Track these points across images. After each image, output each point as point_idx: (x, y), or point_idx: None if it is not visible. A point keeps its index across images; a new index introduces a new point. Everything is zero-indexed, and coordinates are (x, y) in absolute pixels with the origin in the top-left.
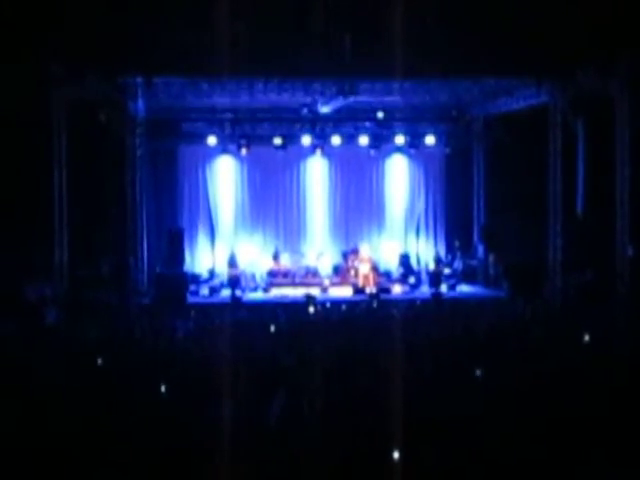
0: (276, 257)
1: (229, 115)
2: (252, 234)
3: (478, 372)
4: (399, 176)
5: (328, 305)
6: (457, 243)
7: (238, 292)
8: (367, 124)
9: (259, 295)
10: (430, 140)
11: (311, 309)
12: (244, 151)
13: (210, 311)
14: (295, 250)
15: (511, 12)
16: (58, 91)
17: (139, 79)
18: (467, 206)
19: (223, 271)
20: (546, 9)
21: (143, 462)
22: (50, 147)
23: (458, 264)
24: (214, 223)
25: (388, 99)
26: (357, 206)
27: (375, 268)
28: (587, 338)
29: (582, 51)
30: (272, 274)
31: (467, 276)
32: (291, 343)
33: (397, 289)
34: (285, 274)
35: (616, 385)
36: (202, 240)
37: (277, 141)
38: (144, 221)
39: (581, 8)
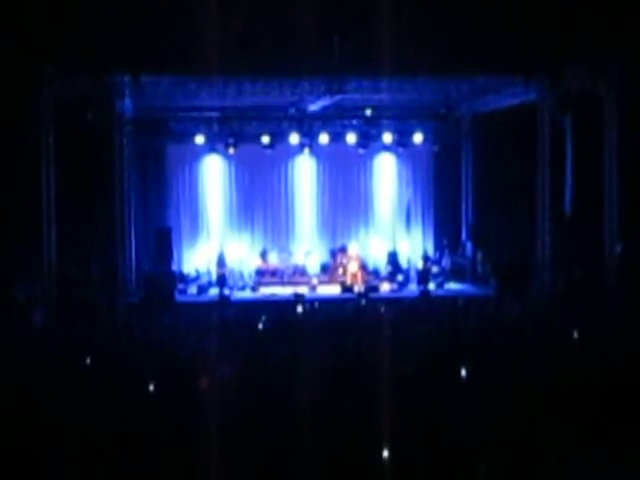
0: (264, 256)
1: (217, 114)
2: (240, 233)
3: (463, 372)
4: (387, 174)
5: (316, 304)
6: (445, 241)
7: (226, 291)
8: (355, 122)
9: (247, 294)
10: (418, 138)
11: (299, 308)
12: (232, 150)
13: (198, 310)
14: (283, 249)
15: (500, 10)
16: (46, 90)
17: (127, 78)
18: (455, 204)
19: (211, 270)
20: (535, 7)
21: (133, 460)
22: (38, 146)
23: (446, 262)
24: (202, 222)
25: (376, 97)
26: (345, 204)
27: (363, 266)
28: (576, 335)
29: (571, 49)
30: (260, 273)
31: (455, 274)
32: (279, 342)
33: (385, 287)
34: (273, 273)
35: (605, 382)
36: (190, 239)
37: (265, 140)
38: (132, 220)
39: (570, 6)
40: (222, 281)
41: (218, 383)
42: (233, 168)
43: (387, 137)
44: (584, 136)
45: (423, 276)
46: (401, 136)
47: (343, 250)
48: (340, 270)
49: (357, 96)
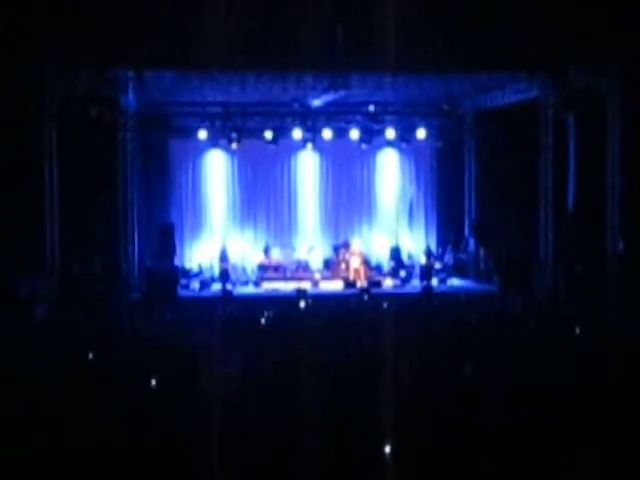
0: (267, 251)
1: (220, 109)
2: (243, 228)
3: (467, 368)
4: (390, 170)
5: (319, 299)
6: (452, 236)
7: (229, 286)
8: (358, 118)
9: (250, 289)
10: (421, 134)
11: (302, 303)
12: (235, 145)
13: (201, 305)
14: (286, 244)
15: (504, 6)
16: (49, 85)
17: (130, 73)
18: (458, 200)
19: (214, 265)
20: (539, 4)
21: (134, 455)
22: (41, 142)
23: (449, 258)
24: (205, 217)
25: (379, 93)
26: (348, 200)
27: (366, 262)
28: (578, 331)
29: (574, 46)
30: (263, 268)
31: (458, 270)
32: (282, 337)
33: (388, 283)
34: (276, 268)
35: (607, 378)
36: (193, 234)
37: (268, 135)
38: (135, 215)
39: (574, 3)
40: (225, 276)
41: (220, 378)
42: (236, 163)
43: (390, 133)
44: (587, 133)
45: (426, 272)
46: (404, 132)
47: (346, 246)
48: (343, 266)
49: (360, 92)
